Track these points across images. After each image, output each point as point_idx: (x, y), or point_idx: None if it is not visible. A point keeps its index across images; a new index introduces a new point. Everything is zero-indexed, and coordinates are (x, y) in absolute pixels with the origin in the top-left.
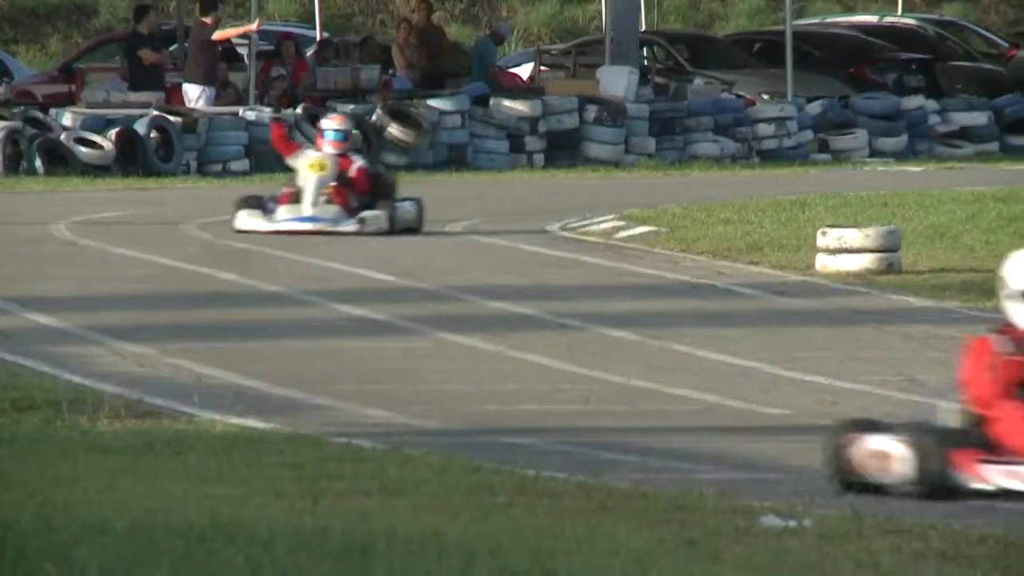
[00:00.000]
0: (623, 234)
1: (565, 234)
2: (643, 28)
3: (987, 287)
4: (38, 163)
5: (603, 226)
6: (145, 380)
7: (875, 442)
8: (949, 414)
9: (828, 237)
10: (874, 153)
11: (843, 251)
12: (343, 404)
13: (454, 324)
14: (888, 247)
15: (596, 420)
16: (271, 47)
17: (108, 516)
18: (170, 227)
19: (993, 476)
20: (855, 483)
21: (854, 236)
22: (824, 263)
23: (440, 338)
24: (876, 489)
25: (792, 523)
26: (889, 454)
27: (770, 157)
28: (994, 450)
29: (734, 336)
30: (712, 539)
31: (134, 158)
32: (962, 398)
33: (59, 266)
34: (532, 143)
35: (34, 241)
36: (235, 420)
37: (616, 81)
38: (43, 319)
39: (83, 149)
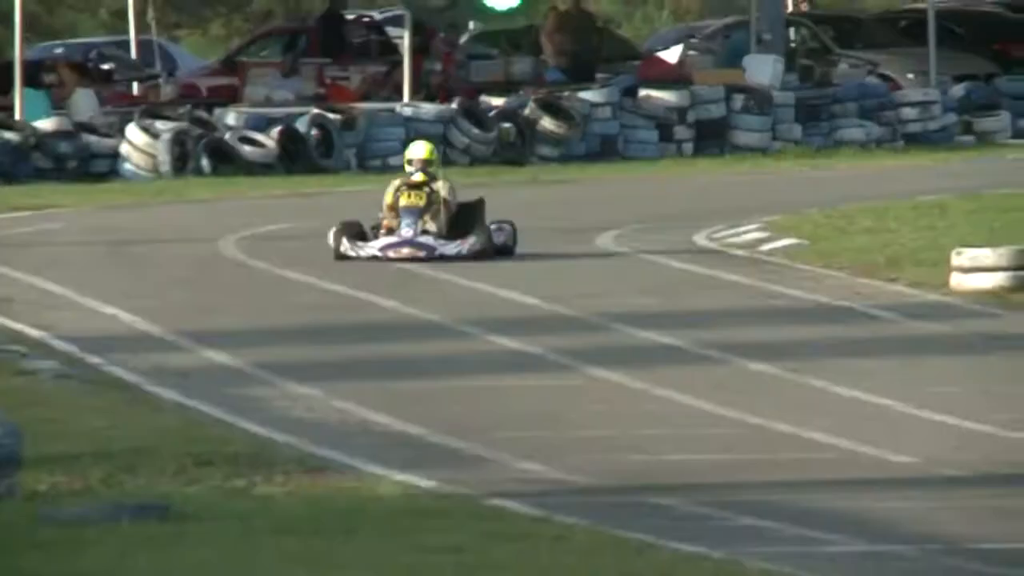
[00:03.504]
0: (766, 247)
1: (711, 245)
2: (789, 10)
3: None
4: (204, 162)
5: (747, 236)
6: (314, 428)
7: None
8: None
9: (962, 257)
10: (1018, 134)
11: (977, 270)
12: (499, 455)
13: (602, 358)
14: (1021, 265)
15: (737, 473)
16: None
17: None
18: None
19: None
20: None
21: (987, 256)
22: (959, 281)
23: (589, 375)
24: None
25: None
26: None
27: (915, 140)
28: None
29: (869, 368)
30: None
31: (296, 156)
32: None
33: (231, 293)
34: (681, 132)
35: (206, 262)
36: (399, 476)
37: (762, 70)
38: (218, 356)
39: (247, 148)
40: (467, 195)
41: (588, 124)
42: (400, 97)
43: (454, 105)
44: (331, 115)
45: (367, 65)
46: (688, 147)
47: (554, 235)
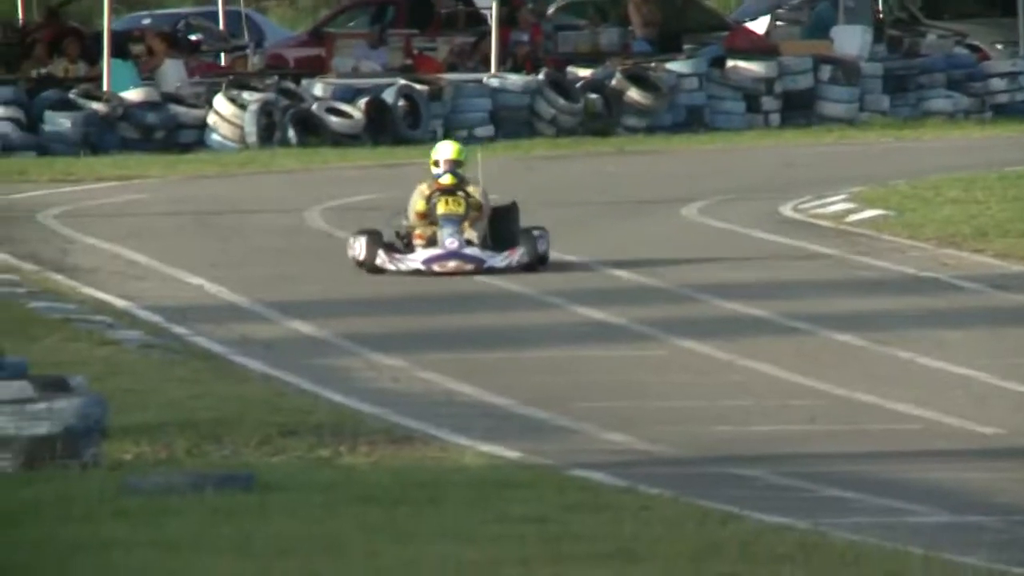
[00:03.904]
0: (853, 218)
1: (797, 216)
2: None
3: None
4: (291, 133)
5: (834, 208)
6: (399, 398)
7: None
8: None
9: None
10: None
11: None
12: (583, 426)
13: (688, 329)
14: None
15: (821, 444)
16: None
17: None
18: None
19: None
20: None
21: None
22: None
23: (675, 345)
24: None
25: None
26: None
27: (1003, 111)
28: None
29: (954, 340)
30: None
31: (383, 126)
32: None
33: (316, 263)
34: (768, 103)
35: (291, 232)
36: (483, 447)
37: (850, 40)
38: (303, 327)
39: (334, 119)
40: (500, 188)
41: (675, 95)
42: (487, 68)
43: (540, 76)
44: (418, 86)
45: (454, 36)
46: (775, 118)
47: (640, 206)
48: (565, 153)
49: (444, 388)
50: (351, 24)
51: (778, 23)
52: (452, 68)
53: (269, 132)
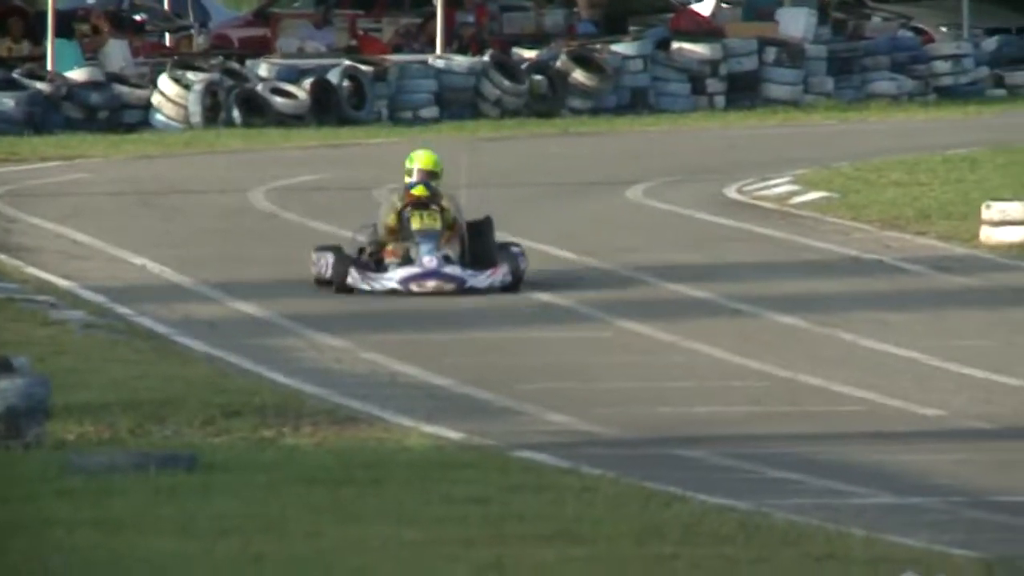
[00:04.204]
0: (797, 200)
1: (741, 198)
2: None
3: None
4: (235, 113)
5: (778, 190)
6: (343, 379)
7: None
8: None
9: (992, 210)
10: None
11: (1006, 223)
12: (526, 407)
13: (632, 310)
14: None
15: (764, 426)
16: None
17: None
18: (362, 193)
19: None
20: None
21: (1016, 209)
22: (988, 235)
23: (618, 326)
24: None
25: None
26: None
27: (946, 93)
28: None
29: (897, 321)
30: None
31: (327, 107)
32: None
33: (260, 244)
34: (712, 85)
35: (235, 213)
36: (427, 428)
37: (795, 23)
38: (247, 308)
39: (279, 99)
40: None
41: (620, 76)
42: (432, 49)
43: (486, 57)
44: (363, 67)
45: (400, 17)
46: (720, 100)
47: (585, 188)
48: (510, 134)
49: (388, 369)
50: (296, 4)
51: (723, 5)
52: (397, 49)
53: (214, 112)
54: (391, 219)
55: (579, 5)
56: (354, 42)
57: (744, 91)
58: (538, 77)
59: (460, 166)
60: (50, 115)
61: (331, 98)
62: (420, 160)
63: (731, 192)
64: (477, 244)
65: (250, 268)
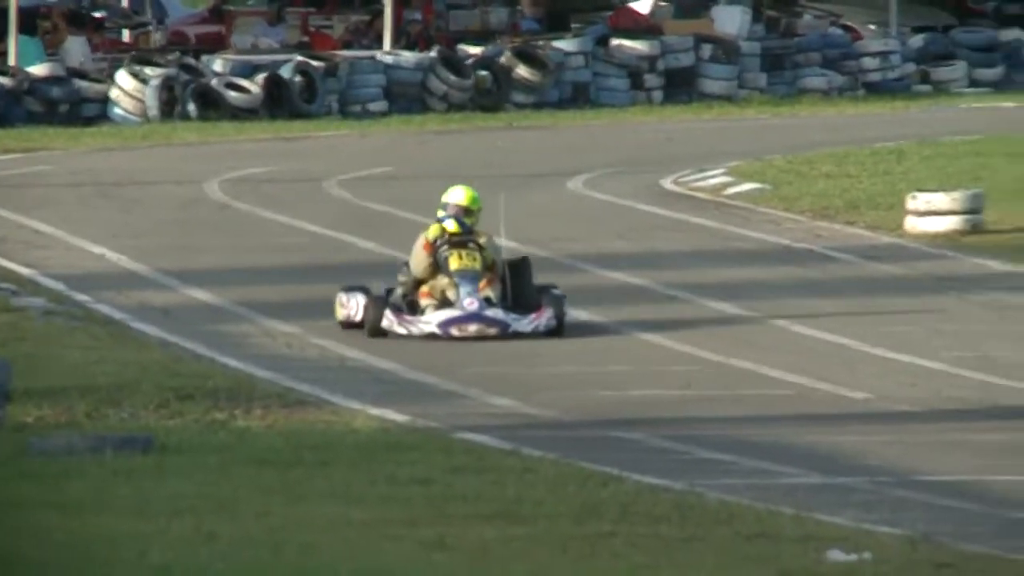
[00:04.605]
0: (731, 191)
1: (677, 189)
2: None
3: None
4: (191, 107)
5: (713, 181)
6: (293, 363)
7: None
8: None
9: (917, 201)
10: (972, 83)
11: (931, 214)
12: (470, 390)
13: (572, 297)
14: (973, 209)
15: (698, 408)
16: None
17: (266, 562)
18: (313, 184)
19: None
20: None
21: (941, 200)
22: (913, 224)
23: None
24: None
25: (854, 557)
26: None
27: (874, 89)
28: None
29: (827, 308)
30: None
31: (280, 101)
32: None
33: (214, 234)
34: (651, 80)
35: (190, 204)
36: (374, 411)
37: (730, 20)
38: (201, 295)
39: (233, 94)
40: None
41: (561, 72)
42: (381, 45)
43: (433, 53)
44: (314, 62)
45: (349, 14)
46: (657, 95)
47: (528, 179)
48: (456, 128)
49: (337, 354)
50: (250, 2)
51: (661, 3)
52: (347, 45)
53: (170, 106)
54: (425, 259)
55: (523, 3)
56: (306, 38)
57: (681, 86)
58: (483, 72)
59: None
60: (12, 109)
61: (283, 92)
62: (456, 196)
63: (668, 183)
64: (516, 286)
65: (204, 256)
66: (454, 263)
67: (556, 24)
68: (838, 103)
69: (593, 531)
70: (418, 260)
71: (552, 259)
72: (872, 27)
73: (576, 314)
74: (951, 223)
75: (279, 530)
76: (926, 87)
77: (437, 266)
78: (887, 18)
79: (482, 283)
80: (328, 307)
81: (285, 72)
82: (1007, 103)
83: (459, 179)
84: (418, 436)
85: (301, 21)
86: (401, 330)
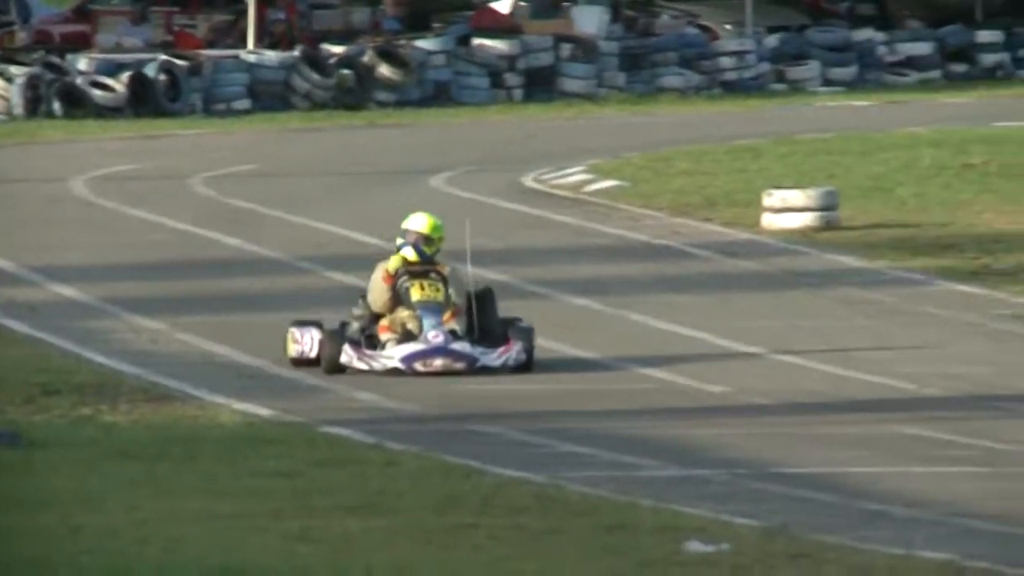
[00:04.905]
0: (590, 188)
1: (538, 186)
2: None
3: (915, 244)
4: (56, 106)
5: (572, 179)
6: (158, 359)
7: None
8: None
9: (773, 198)
10: (826, 82)
11: (786, 210)
12: (333, 385)
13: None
14: (827, 206)
15: (558, 402)
16: None
17: (132, 554)
18: (178, 182)
19: None
20: None
21: (796, 197)
22: (770, 221)
23: None
24: None
25: (711, 548)
26: None
27: (731, 88)
28: None
29: (685, 303)
30: (641, 573)
31: (144, 100)
32: None
33: (80, 231)
34: (511, 79)
35: (55, 201)
36: (239, 405)
37: (589, 20)
38: (67, 291)
39: (98, 92)
40: None
41: (423, 71)
42: (245, 44)
43: (296, 52)
44: (178, 61)
45: (213, 13)
46: (518, 93)
47: (390, 176)
48: (319, 126)
49: (201, 349)
50: (114, 1)
51: (521, 3)
52: (211, 44)
53: (35, 104)
54: (385, 291)
55: (385, 3)
56: (170, 38)
57: (541, 85)
58: (345, 71)
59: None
60: None
61: (148, 91)
62: (417, 223)
63: (529, 181)
64: (481, 318)
65: (70, 253)
66: (416, 294)
67: (418, 24)
68: (695, 102)
69: (455, 523)
70: (378, 293)
71: None
72: (728, 27)
73: None
74: (806, 220)
75: (145, 523)
76: (781, 86)
77: (398, 298)
78: (743, 18)
79: (446, 315)
80: (194, 302)
81: (149, 71)
82: (860, 102)
83: (322, 176)
84: (282, 430)
85: (165, 20)
86: (362, 365)
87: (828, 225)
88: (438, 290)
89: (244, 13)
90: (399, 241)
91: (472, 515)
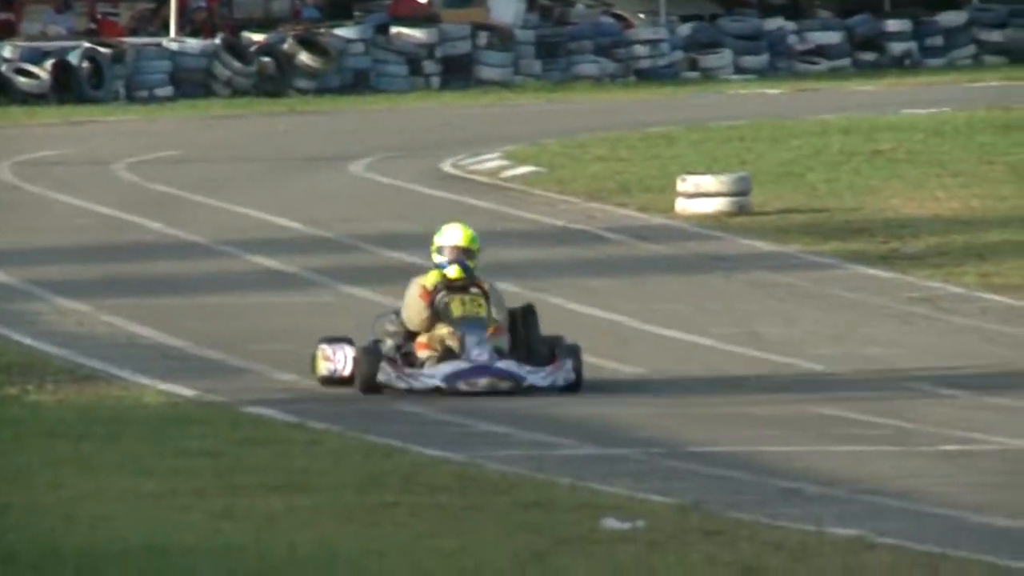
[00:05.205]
0: (507, 174)
1: (456, 172)
2: None
3: (826, 228)
4: None
5: (490, 165)
6: (83, 340)
7: None
8: None
9: (687, 183)
10: (738, 70)
11: (700, 195)
12: (256, 366)
13: (354, 276)
14: (740, 191)
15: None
16: None
17: (59, 532)
18: (102, 168)
19: None
20: None
21: (709, 182)
22: (683, 206)
23: (341, 291)
24: None
25: (627, 525)
26: None
27: (645, 76)
28: None
29: (601, 287)
30: (559, 550)
31: (68, 87)
32: None
33: (5, 215)
34: (429, 67)
35: None
36: (163, 386)
37: (505, 9)
38: None
39: (22, 79)
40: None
41: (343, 59)
42: (167, 32)
43: (217, 40)
44: (102, 49)
45: (136, 2)
46: (436, 81)
47: (310, 163)
48: (240, 112)
49: (126, 331)
50: None
51: None
52: (134, 32)
53: None
54: (423, 307)
55: None
56: (93, 26)
57: (458, 73)
58: (266, 59)
59: None
60: None
61: (71, 78)
62: (452, 236)
63: (447, 167)
64: (525, 336)
65: None
66: (457, 309)
67: (337, 12)
68: (610, 89)
69: (377, 501)
70: (415, 311)
71: (334, 239)
72: (642, 16)
73: (356, 292)
74: (719, 205)
75: (71, 501)
76: (694, 74)
77: (436, 315)
78: (656, 7)
79: (489, 331)
80: (118, 285)
81: (73, 58)
82: (771, 89)
83: (242, 162)
84: (206, 410)
85: (89, 8)
86: (401, 384)
87: (741, 210)
88: (480, 306)
89: (166, 1)
90: (436, 259)
91: (393, 493)
